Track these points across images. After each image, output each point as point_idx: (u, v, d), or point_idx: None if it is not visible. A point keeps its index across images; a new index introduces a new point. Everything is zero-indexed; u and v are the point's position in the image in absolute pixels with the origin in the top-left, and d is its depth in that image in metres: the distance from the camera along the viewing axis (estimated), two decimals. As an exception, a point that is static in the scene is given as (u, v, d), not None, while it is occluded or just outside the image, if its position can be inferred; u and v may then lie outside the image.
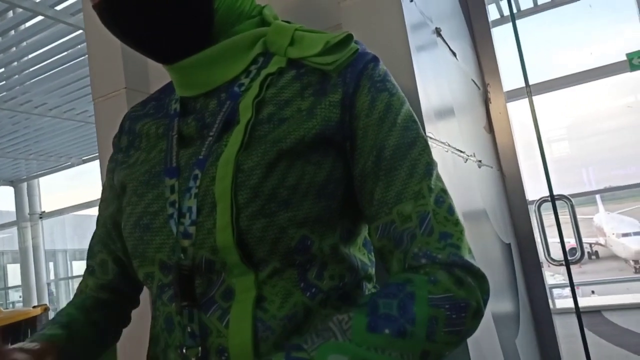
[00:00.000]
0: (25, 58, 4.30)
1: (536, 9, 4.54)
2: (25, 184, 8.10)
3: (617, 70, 4.01)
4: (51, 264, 10.49)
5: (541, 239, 2.00)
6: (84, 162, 7.50)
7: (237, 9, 0.64)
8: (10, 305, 10.16)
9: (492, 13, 4.36)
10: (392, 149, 0.57)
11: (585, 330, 1.82)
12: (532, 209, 1.96)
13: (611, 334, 3.78)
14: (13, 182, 8.08)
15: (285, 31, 0.63)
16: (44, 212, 8.12)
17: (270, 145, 0.56)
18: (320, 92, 0.59)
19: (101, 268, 0.72)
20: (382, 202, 0.56)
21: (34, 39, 4.01)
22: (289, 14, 0.87)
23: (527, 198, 1.81)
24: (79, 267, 10.82)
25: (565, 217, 2.14)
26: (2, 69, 4.45)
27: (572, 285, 1.85)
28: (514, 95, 2.91)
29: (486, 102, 1.80)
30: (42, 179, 8.18)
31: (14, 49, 4.18)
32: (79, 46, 4.07)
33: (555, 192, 1.92)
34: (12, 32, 3.97)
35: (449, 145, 0.99)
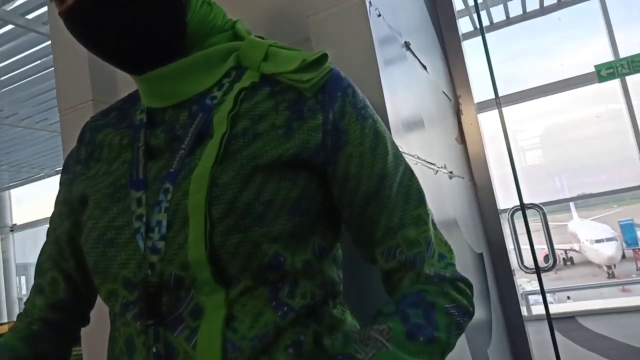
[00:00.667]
0: (-4, 67, 4.20)
1: (509, 21, 4.69)
2: (-5, 196, 7.89)
3: (586, 82, 4.14)
4: (23, 278, 10.17)
5: (514, 247, 2.03)
6: (57, 173, 7.33)
7: (210, 22, 0.63)
8: (-22, 322, 9.81)
9: (466, 25, 4.48)
10: (391, 177, 0.60)
11: (560, 335, 1.85)
12: (505, 217, 1.99)
13: (585, 339, 3.84)
14: (-18, 194, 7.86)
15: (259, 46, 0.63)
16: (15, 224, 7.90)
17: (247, 161, 0.55)
18: (297, 113, 0.59)
19: (51, 287, 0.69)
20: (388, 228, 0.60)
21: (5, 47, 3.93)
22: (258, 26, 0.87)
23: (499, 207, 1.84)
24: (52, 280, 10.50)
25: (538, 225, 2.18)
26: (-28, 79, 4.35)
27: (542, 291, 1.88)
28: (485, 106, 2.97)
29: (458, 113, 1.83)
30: (13, 191, 7.98)
31: (-16, 58, 4.08)
32: (51, 55, 3.98)
33: (529, 200, 1.96)
34: (-18, 41, 3.89)
35: (419, 158, 1.00)
